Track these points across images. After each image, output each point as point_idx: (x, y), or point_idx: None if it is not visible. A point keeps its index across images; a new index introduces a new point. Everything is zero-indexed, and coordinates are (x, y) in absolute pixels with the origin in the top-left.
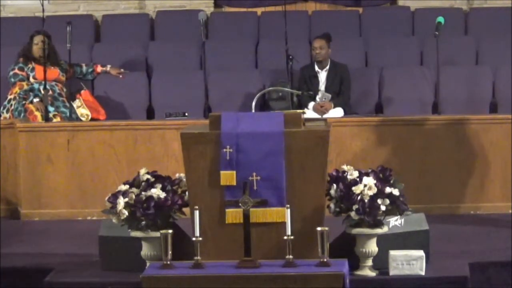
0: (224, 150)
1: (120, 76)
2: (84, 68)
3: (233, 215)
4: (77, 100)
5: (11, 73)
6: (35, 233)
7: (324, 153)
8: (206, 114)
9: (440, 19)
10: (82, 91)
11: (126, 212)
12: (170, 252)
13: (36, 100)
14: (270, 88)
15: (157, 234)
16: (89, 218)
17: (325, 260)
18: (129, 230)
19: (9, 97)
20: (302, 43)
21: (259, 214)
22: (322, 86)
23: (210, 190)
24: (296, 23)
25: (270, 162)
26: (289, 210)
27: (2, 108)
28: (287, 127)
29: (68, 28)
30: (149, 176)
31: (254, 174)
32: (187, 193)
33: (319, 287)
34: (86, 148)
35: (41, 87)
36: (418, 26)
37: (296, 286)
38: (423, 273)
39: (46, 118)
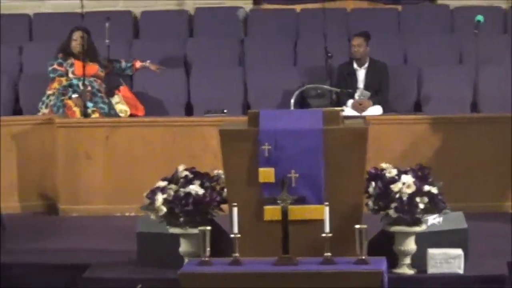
0: (263, 147)
1: (159, 72)
2: (123, 64)
3: (271, 212)
4: (116, 96)
5: (50, 68)
6: (73, 229)
7: (362, 151)
8: (244, 111)
9: (479, 17)
10: (121, 87)
11: (164, 209)
12: (208, 249)
13: (75, 95)
14: (309, 86)
15: (195, 230)
16: (127, 214)
17: (363, 258)
18: (167, 226)
19: (48, 92)
20: (341, 40)
21: (297, 212)
22: (360, 83)
23: (248, 187)
24: (335, 20)
25: (309, 160)
26: (327, 207)
27: (40, 103)
28: (325, 125)
29: (107, 24)
30: (187, 173)
31: (293, 171)
32: (225, 190)
33: (357, 285)
34: (125, 144)
35: (80, 83)
36: (457, 24)
37: (334, 284)
38: (461, 271)
39: (85, 114)
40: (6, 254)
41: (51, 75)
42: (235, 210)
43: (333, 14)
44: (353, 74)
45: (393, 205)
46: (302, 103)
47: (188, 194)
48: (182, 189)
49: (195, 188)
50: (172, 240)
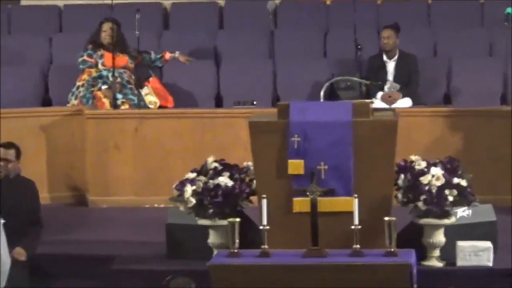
0: (292, 139)
1: (188, 63)
2: (153, 55)
3: (301, 204)
4: (146, 88)
5: (80, 59)
6: (101, 220)
7: (392, 143)
8: (274, 103)
9: (509, 10)
10: (151, 79)
11: (193, 200)
12: (237, 241)
13: (104, 87)
14: (338, 78)
15: (225, 222)
16: (156, 205)
17: (392, 250)
18: (196, 218)
19: (77, 83)
20: (371, 32)
21: (326, 203)
22: (390, 76)
23: (277, 178)
24: (365, 12)
25: (338, 152)
26: (356, 199)
27: (70, 94)
28: (355, 117)
29: (136, 16)
30: (217, 164)
31: (322, 163)
32: (254, 181)
33: (386, 277)
34: (154, 135)
35: (110, 74)
36: (487, 16)
37: (363, 276)
38: (490, 264)
39: (114, 105)
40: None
41: (81, 66)
42: (264, 201)
43: (363, 6)
44: (382, 67)
45: (422, 197)
46: (331, 95)
47: (217, 185)
48: (211, 181)
49: (224, 180)
50: (201, 231)
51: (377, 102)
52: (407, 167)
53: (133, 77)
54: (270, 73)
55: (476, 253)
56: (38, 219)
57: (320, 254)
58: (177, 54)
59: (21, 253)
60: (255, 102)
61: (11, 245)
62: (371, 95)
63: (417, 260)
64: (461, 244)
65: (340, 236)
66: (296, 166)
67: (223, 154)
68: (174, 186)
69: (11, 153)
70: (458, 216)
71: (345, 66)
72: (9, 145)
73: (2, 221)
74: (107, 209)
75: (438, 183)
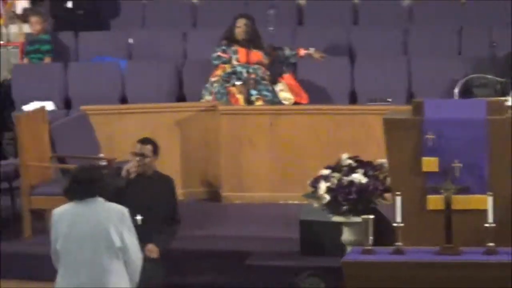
0: (427, 136)
1: (322, 60)
2: (287, 52)
3: (435, 201)
4: (280, 84)
5: (214, 55)
6: (235, 216)
7: None
8: (408, 100)
9: None
10: (285, 75)
11: (327, 197)
12: (371, 238)
13: (238, 83)
14: (473, 75)
15: (358, 219)
16: (290, 202)
17: None
18: (330, 214)
19: (211, 79)
20: (506, 30)
21: (461, 201)
22: None
23: (411, 176)
24: (499, 10)
25: (473, 149)
26: (491, 197)
27: (204, 90)
28: (489, 115)
29: (271, 11)
30: (351, 161)
31: (456, 161)
32: (388, 178)
33: None
34: (288, 132)
35: (244, 70)
36: None
37: (497, 274)
38: None
39: (248, 101)
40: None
41: (215, 62)
42: (398, 199)
43: (497, 4)
44: None
45: None
46: (466, 92)
47: (352, 182)
48: (345, 178)
49: (358, 177)
50: (334, 228)
51: None
52: None
53: (267, 73)
54: (405, 70)
55: None
56: (174, 216)
57: (454, 251)
58: (311, 50)
59: (153, 250)
60: (389, 99)
61: (147, 241)
62: (506, 93)
63: None
64: None
65: (474, 234)
66: (430, 163)
67: (357, 150)
68: (308, 182)
69: (148, 148)
70: None
71: (480, 64)
72: (145, 141)
73: (139, 217)
74: (241, 205)
75: None
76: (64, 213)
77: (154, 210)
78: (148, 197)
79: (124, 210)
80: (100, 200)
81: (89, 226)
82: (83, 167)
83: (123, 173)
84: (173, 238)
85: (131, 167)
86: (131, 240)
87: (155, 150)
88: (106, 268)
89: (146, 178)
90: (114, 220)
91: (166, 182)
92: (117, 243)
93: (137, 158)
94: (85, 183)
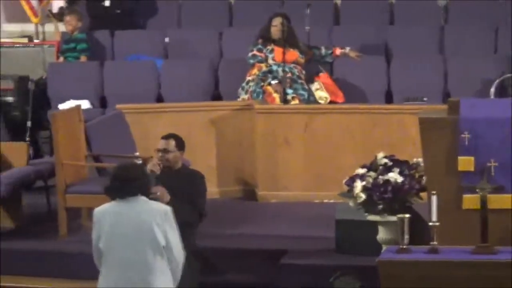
0: (462, 135)
1: (359, 59)
2: (323, 51)
3: (470, 200)
4: (316, 83)
5: (250, 54)
6: (271, 215)
7: None
8: (444, 99)
9: None
10: (321, 74)
11: (363, 196)
12: (406, 237)
13: (274, 82)
14: (509, 75)
15: (394, 218)
16: (325, 201)
17: None
18: (366, 213)
19: (247, 78)
20: None
21: (496, 200)
22: None
23: (447, 175)
24: None
25: (508, 148)
26: None
27: (240, 89)
28: None
29: (307, 11)
30: (387, 160)
31: (492, 160)
32: (424, 177)
33: None
34: (324, 131)
35: (280, 69)
36: None
37: None
38: None
39: (284, 100)
40: (205, 239)
41: (251, 61)
42: (434, 198)
43: None
44: None
45: None
46: (501, 92)
47: (387, 181)
48: (381, 177)
49: (394, 176)
50: (370, 227)
51: None
52: None
53: (303, 72)
54: (441, 69)
55: None
56: (201, 211)
57: (489, 251)
58: (347, 49)
59: (163, 194)
60: (425, 98)
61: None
62: None
63: None
64: None
65: (509, 233)
66: (466, 162)
67: (393, 149)
68: (344, 181)
69: (171, 143)
70: None
71: None
72: (168, 136)
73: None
74: (276, 204)
75: None
76: (106, 212)
77: (179, 203)
78: (174, 190)
79: (167, 209)
80: (142, 198)
81: (132, 225)
82: (124, 165)
83: (148, 170)
84: (195, 232)
85: (154, 163)
86: (174, 238)
87: (179, 145)
88: (151, 266)
89: (174, 172)
90: (158, 219)
91: (193, 176)
92: (162, 241)
93: (160, 154)
94: (128, 181)
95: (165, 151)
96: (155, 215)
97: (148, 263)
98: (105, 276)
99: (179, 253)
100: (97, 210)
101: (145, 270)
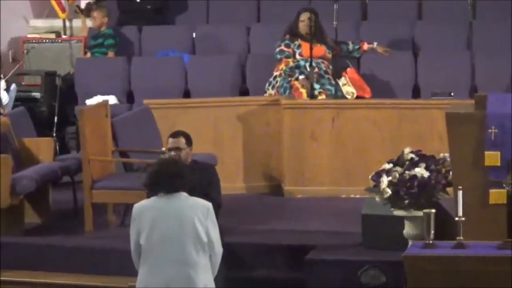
0: (489, 130)
1: (386, 54)
2: (351, 46)
3: (497, 195)
4: (343, 78)
5: (277, 49)
6: (297, 210)
7: None
8: (471, 95)
9: None
10: (348, 69)
11: (389, 191)
12: (432, 232)
13: (301, 77)
14: None
15: (420, 213)
16: (352, 196)
17: None
18: (392, 208)
19: (274, 73)
20: None
21: None
22: None
23: (473, 170)
24: None
25: None
26: None
27: (267, 84)
28: None
29: (335, 6)
30: (413, 155)
31: None
32: (450, 173)
33: None
34: (351, 126)
35: (307, 64)
36: None
37: None
38: None
39: (311, 95)
40: (232, 234)
41: (278, 56)
42: (460, 193)
43: None
44: None
45: None
46: None
47: (414, 176)
48: (407, 172)
49: (420, 171)
50: (396, 222)
51: None
52: None
53: (330, 67)
54: (468, 64)
55: None
56: (218, 202)
57: None
58: (375, 45)
59: None
60: (452, 94)
61: None
62: None
63: None
64: None
65: None
66: (492, 157)
67: (420, 144)
68: (370, 176)
69: (181, 141)
70: None
71: None
72: (177, 134)
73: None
74: (302, 199)
75: None
76: (146, 208)
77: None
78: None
79: (208, 205)
80: (184, 194)
81: (174, 221)
82: (169, 160)
83: None
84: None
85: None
86: (215, 234)
87: (188, 142)
88: (194, 263)
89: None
90: (200, 214)
91: (205, 169)
92: (204, 238)
93: (173, 153)
94: (172, 177)
95: (177, 149)
96: (197, 211)
97: (191, 259)
98: (147, 273)
99: (219, 249)
100: (137, 206)
101: (188, 267)
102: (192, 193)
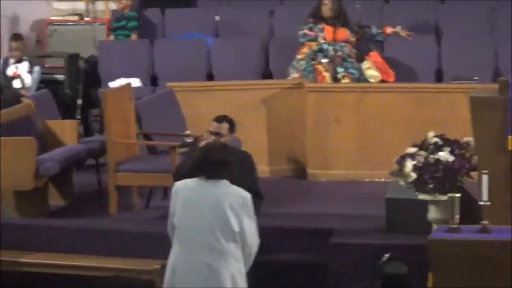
0: None
1: (410, 38)
2: (374, 30)
3: None
4: (366, 62)
5: (301, 33)
6: (321, 193)
7: None
8: (495, 79)
9: None
10: (371, 53)
11: (413, 175)
12: (457, 216)
13: (325, 60)
14: None
15: (445, 197)
16: (376, 180)
17: None
18: (416, 192)
19: (298, 57)
20: None
21: None
22: None
23: (497, 154)
24: None
25: None
26: None
27: (291, 68)
28: None
29: None
30: (437, 139)
31: None
32: (474, 157)
33: None
34: (374, 109)
35: (330, 48)
36: None
37: None
38: None
39: (335, 79)
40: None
41: (302, 40)
42: (485, 177)
43: None
44: None
45: None
46: None
47: (438, 160)
48: (431, 156)
49: (444, 155)
50: (420, 206)
51: None
52: None
53: (354, 51)
54: (491, 48)
55: None
56: (257, 190)
57: None
58: (398, 28)
59: None
60: (475, 78)
61: None
62: None
63: None
64: None
65: None
66: None
67: (443, 129)
68: (394, 160)
69: (224, 127)
70: None
71: None
72: (221, 119)
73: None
74: (326, 182)
75: None
76: (185, 188)
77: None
78: None
79: (246, 195)
80: (225, 182)
81: (207, 206)
82: (216, 146)
83: None
84: (258, 213)
85: (208, 142)
86: (250, 225)
87: (231, 128)
88: (221, 250)
89: None
90: (235, 204)
91: (243, 158)
92: (235, 227)
93: (213, 137)
94: (219, 163)
95: (218, 134)
96: (232, 199)
97: (219, 245)
98: (177, 254)
99: (253, 240)
100: (177, 185)
101: (214, 254)
102: (232, 181)
